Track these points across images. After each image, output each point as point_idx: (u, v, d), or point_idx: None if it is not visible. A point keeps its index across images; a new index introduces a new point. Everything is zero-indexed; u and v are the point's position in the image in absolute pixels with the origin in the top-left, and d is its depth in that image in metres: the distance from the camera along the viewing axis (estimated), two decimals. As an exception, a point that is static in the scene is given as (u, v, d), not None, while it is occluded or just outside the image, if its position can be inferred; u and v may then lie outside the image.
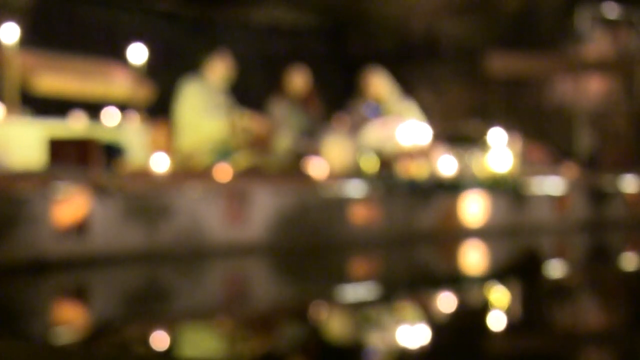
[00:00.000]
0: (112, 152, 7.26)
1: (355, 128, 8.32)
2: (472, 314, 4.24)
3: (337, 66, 12.60)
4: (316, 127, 8.53)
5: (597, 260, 6.72)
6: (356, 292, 4.94)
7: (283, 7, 12.36)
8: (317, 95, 8.84)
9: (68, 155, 6.04)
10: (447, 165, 8.11)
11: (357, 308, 4.44)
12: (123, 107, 9.09)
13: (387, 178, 7.55)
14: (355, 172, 7.59)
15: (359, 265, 6.65)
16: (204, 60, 8.04)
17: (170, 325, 3.92)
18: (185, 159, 7.78)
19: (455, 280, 5.41)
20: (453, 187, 7.96)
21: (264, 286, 5.30)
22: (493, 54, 11.80)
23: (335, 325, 4.02)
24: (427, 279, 5.49)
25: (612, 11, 12.26)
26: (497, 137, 8.86)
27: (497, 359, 3.32)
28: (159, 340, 3.63)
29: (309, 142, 8.28)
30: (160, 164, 6.95)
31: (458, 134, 9.37)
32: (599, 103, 12.41)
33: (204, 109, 7.88)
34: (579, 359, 3.37)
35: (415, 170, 7.85)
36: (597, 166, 10.83)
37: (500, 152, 8.68)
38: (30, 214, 5.41)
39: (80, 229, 5.62)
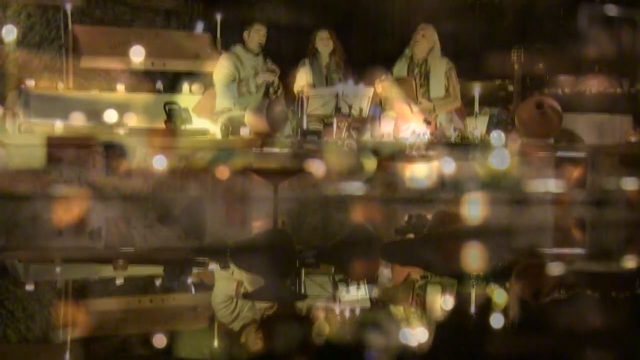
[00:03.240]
0: (112, 152, 7.26)
1: (355, 128, 8.32)
2: (472, 314, 4.24)
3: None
4: (317, 126, 8.52)
5: (597, 260, 6.72)
6: (356, 292, 4.94)
7: (283, 7, 12.35)
8: None
9: (68, 155, 6.05)
10: (447, 165, 8.11)
11: (357, 308, 4.44)
12: (123, 107, 9.08)
13: (387, 178, 7.55)
14: (356, 172, 7.58)
15: (358, 265, 6.64)
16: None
17: (170, 325, 3.92)
18: (185, 158, 7.77)
19: (455, 280, 5.41)
20: (453, 187, 7.96)
21: (264, 286, 5.29)
22: (493, 54, 11.78)
23: (335, 325, 4.02)
24: (426, 279, 5.49)
25: (612, 11, 12.26)
26: (497, 137, 8.85)
27: (497, 359, 3.32)
28: (159, 340, 3.63)
29: (309, 142, 8.27)
30: (160, 164, 6.95)
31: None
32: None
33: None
34: (579, 359, 3.37)
35: (415, 170, 7.85)
36: (597, 166, 10.80)
37: (500, 152, 8.68)
38: (30, 214, 5.41)
39: (80, 229, 5.61)
